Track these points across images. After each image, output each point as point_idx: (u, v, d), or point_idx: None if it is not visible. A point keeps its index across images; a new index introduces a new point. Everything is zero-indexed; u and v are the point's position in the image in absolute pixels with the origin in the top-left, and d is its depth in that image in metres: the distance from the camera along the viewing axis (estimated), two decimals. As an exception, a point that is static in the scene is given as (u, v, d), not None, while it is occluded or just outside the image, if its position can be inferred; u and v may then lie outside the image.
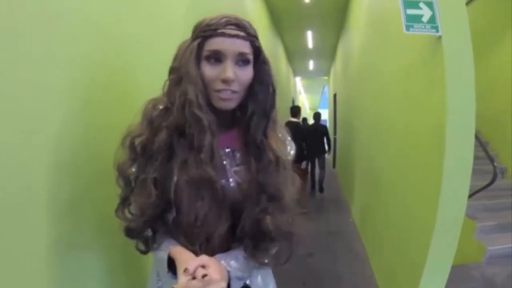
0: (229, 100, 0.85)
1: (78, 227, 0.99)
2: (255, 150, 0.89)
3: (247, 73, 0.85)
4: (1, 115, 0.71)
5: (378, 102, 3.52)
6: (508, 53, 4.35)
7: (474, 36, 1.78)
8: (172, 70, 0.87)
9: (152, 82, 1.01)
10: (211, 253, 0.85)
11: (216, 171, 0.83)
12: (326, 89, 15.20)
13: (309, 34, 8.24)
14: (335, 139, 9.12)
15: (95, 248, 1.08)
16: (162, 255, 0.89)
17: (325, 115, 12.74)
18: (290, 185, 0.91)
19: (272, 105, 0.90)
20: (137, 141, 0.85)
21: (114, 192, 0.91)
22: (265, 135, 0.89)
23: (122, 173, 0.87)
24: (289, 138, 1.00)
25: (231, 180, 0.90)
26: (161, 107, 0.87)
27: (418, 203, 2.20)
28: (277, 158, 0.88)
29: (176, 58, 0.87)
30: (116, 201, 0.91)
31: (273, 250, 0.90)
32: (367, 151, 4.10)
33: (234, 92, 0.84)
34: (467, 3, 3.42)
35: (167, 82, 0.87)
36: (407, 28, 1.83)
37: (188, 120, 0.82)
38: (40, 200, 0.84)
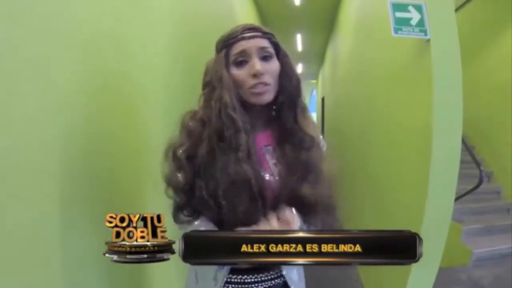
0: (263, 94, 0.90)
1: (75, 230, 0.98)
2: (289, 136, 0.94)
3: (273, 65, 0.93)
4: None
5: (365, 106, 3.53)
6: (495, 58, 4.42)
7: (462, 41, 1.78)
8: (205, 85, 0.95)
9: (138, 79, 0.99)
10: None
11: (254, 168, 0.88)
12: (314, 92, 15.24)
13: (299, 38, 8.25)
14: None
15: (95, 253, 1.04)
16: None
17: (313, 119, 12.74)
18: (326, 162, 0.94)
19: (298, 94, 0.96)
20: (179, 151, 0.91)
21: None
22: (296, 121, 0.95)
23: (171, 184, 0.91)
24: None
25: (273, 173, 0.94)
26: (198, 118, 0.92)
27: (405, 206, 2.20)
28: (311, 137, 0.93)
29: (206, 73, 0.96)
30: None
31: (318, 224, 0.92)
32: (353, 154, 4.10)
33: (266, 84, 0.90)
34: (456, 9, 3.46)
35: (202, 97, 0.94)
36: (396, 31, 1.83)
37: (225, 123, 0.87)
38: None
